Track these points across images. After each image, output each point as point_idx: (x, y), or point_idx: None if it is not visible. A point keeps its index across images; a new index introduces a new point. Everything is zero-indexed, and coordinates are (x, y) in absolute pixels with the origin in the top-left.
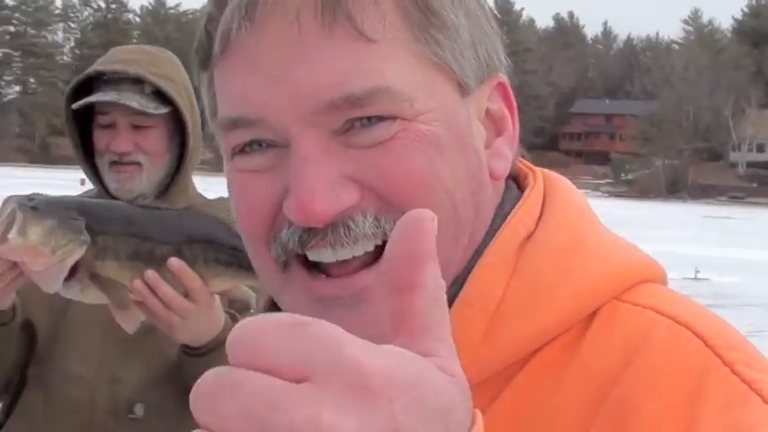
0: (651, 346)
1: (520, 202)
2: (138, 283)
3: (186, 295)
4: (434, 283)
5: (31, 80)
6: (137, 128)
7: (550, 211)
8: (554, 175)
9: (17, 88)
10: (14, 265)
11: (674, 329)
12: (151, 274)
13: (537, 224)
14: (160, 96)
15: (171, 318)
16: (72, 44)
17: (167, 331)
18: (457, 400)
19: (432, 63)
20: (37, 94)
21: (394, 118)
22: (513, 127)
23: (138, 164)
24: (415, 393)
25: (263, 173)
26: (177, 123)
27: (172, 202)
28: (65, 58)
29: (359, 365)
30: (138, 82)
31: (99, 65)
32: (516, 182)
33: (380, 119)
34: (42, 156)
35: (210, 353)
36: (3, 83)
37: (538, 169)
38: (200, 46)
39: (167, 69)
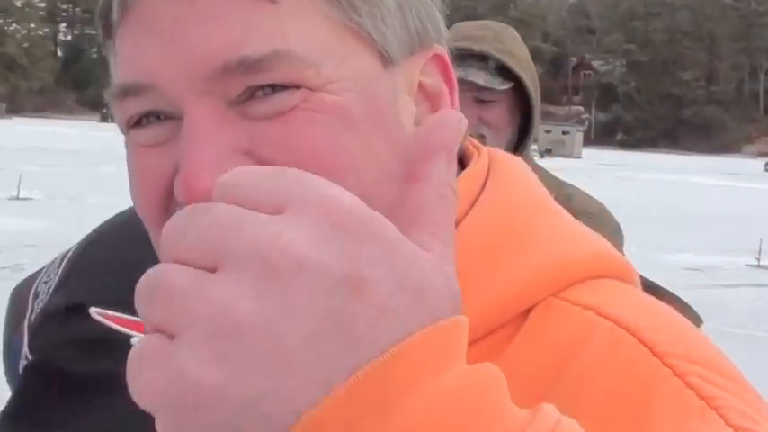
0: (590, 354)
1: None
2: None
3: None
4: (441, 178)
5: None
6: (480, 102)
7: (487, 194)
8: (502, 153)
9: None
10: None
11: (615, 334)
12: None
13: (470, 209)
14: (503, 71)
15: None
16: None
17: None
18: (437, 285)
19: (346, 28)
20: None
21: (298, 86)
22: (451, 104)
23: (482, 136)
24: (388, 249)
25: (160, 146)
26: (517, 98)
27: None
28: None
29: (333, 199)
30: (482, 59)
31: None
32: (462, 163)
33: (283, 87)
34: None
35: None
36: None
37: (486, 149)
38: (102, 11)
39: (510, 45)
